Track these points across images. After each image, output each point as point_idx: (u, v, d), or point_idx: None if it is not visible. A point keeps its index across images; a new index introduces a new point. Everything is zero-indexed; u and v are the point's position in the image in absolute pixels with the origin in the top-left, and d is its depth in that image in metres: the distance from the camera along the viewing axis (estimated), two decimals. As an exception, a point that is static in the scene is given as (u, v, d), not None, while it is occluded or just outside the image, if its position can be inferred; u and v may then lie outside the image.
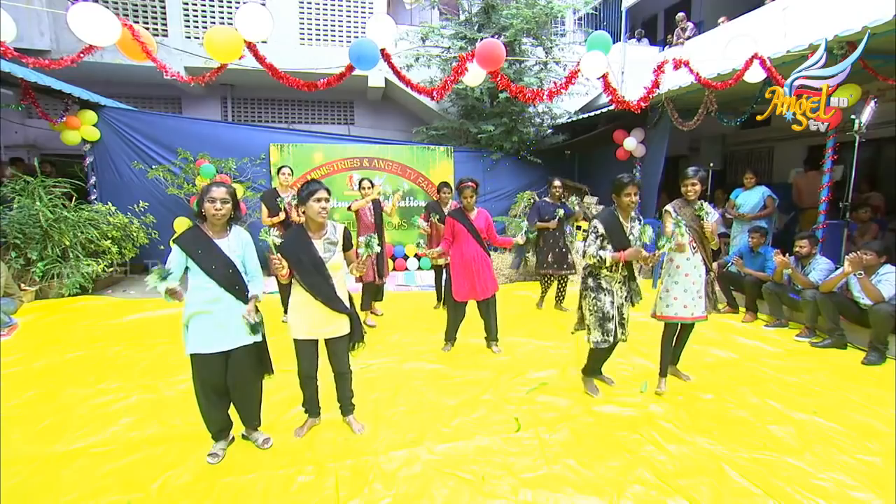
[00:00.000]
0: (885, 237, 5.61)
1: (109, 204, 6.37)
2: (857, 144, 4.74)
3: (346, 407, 2.88)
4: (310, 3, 8.68)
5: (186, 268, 2.38)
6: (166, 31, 8.04)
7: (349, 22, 8.87)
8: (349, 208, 4.85)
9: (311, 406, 2.86)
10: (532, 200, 7.57)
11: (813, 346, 4.33)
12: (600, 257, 3.01)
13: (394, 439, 2.77)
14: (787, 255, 4.72)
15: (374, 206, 4.89)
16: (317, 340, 2.71)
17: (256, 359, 2.60)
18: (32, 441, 2.74)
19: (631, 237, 3.05)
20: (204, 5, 8.19)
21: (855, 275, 4.08)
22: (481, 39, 4.76)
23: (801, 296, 4.60)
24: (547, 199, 5.51)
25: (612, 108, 6.59)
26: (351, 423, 2.87)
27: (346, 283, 2.76)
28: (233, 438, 2.68)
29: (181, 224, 6.27)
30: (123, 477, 2.42)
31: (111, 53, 4.95)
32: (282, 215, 4.68)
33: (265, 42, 4.52)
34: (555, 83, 4.90)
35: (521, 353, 4.17)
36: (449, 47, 8.06)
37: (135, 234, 6.40)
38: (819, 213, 5.23)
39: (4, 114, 7.76)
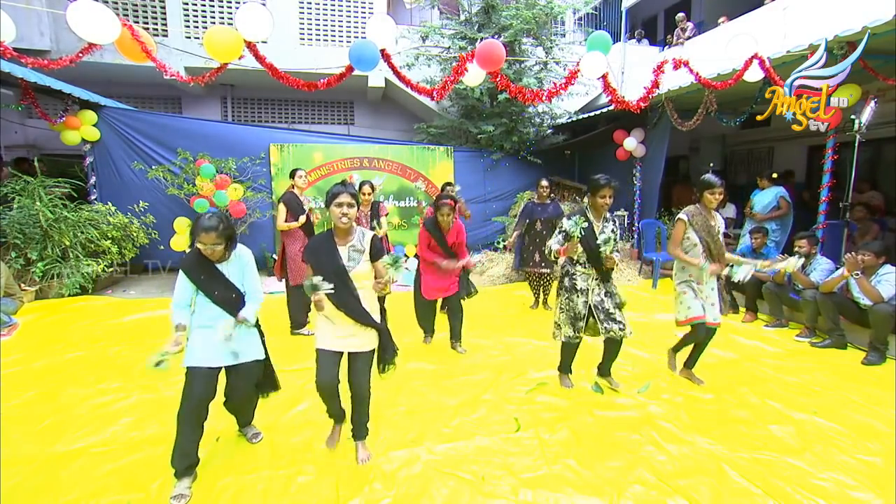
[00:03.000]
0: (885, 237, 5.60)
1: (109, 204, 6.36)
2: (856, 144, 4.74)
3: (359, 431, 2.61)
4: (310, 3, 8.67)
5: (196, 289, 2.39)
6: (166, 31, 8.03)
7: (349, 22, 8.86)
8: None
9: (336, 413, 2.65)
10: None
11: (813, 346, 4.33)
12: (549, 248, 3.15)
13: (394, 439, 2.77)
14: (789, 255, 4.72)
15: (371, 209, 4.80)
16: (340, 353, 2.49)
17: (257, 376, 2.58)
18: (32, 441, 2.73)
19: (601, 236, 3.11)
20: (204, 5, 8.19)
21: (852, 276, 4.08)
22: (481, 39, 4.76)
23: (801, 296, 4.59)
24: (535, 199, 5.49)
25: (611, 108, 6.60)
26: (358, 448, 2.59)
27: (375, 295, 2.55)
28: (195, 476, 2.39)
29: (181, 224, 6.27)
30: (123, 477, 2.42)
31: (111, 53, 4.95)
32: (302, 219, 4.52)
33: (265, 42, 4.52)
34: (554, 83, 4.90)
35: (521, 353, 4.17)
36: (449, 47, 8.06)
37: (135, 234, 6.39)
38: (819, 213, 5.23)
39: (4, 114, 7.75)
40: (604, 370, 3.52)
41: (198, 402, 2.32)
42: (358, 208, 2.53)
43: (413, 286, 4.32)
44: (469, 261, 4.07)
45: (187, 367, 2.34)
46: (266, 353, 2.61)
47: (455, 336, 4.23)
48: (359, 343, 2.49)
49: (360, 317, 2.44)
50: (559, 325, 3.31)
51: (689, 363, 3.56)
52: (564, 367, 3.50)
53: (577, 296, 3.21)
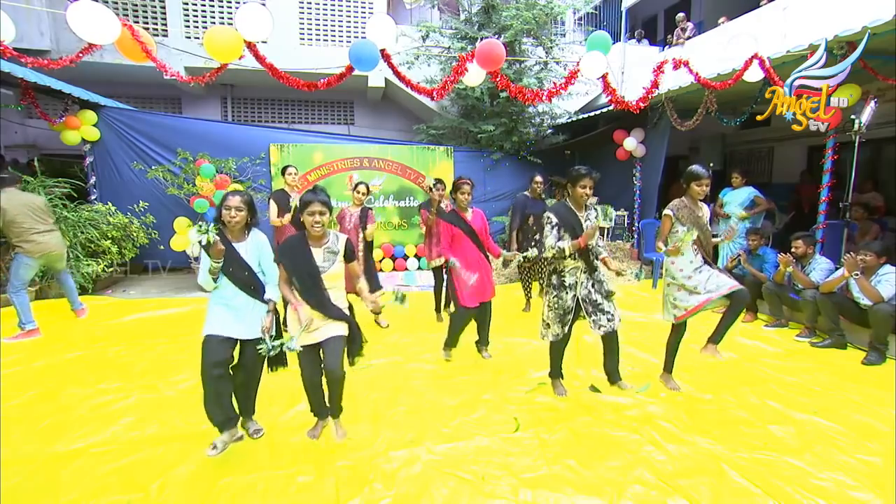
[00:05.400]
0: (886, 237, 5.60)
1: (109, 204, 6.36)
2: (856, 144, 4.74)
3: (333, 408, 2.77)
4: (310, 3, 8.68)
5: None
6: (166, 31, 8.04)
7: (349, 22, 8.87)
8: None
9: (319, 410, 2.80)
10: None
11: (813, 346, 4.33)
12: (559, 248, 3.05)
13: (394, 439, 2.77)
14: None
15: (360, 213, 4.59)
16: (318, 346, 2.64)
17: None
18: (32, 441, 2.73)
19: (587, 223, 3.12)
20: (204, 5, 8.19)
21: (852, 276, 4.08)
22: (481, 39, 4.75)
23: (801, 296, 4.59)
24: (527, 193, 5.48)
25: (611, 108, 6.60)
26: (335, 427, 2.77)
27: (343, 293, 2.75)
28: (241, 437, 2.69)
29: (181, 224, 6.26)
30: (123, 477, 2.42)
31: (111, 53, 4.95)
32: (287, 217, 4.68)
33: (265, 42, 4.52)
34: (554, 83, 4.90)
35: (521, 353, 4.16)
36: (449, 47, 8.06)
37: (135, 234, 6.39)
38: (819, 213, 5.23)
39: (4, 114, 7.75)
40: (612, 373, 3.44)
41: (212, 365, 2.47)
42: (331, 213, 2.62)
43: (451, 296, 3.99)
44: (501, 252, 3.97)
45: (204, 336, 2.52)
46: (279, 331, 2.74)
47: (483, 340, 4.05)
48: (329, 331, 2.62)
49: (332, 312, 2.62)
50: (548, 323, 3.26)
51: (667, 367, 3.52)
52: (555, 372, 3.42)
53: (566, 292, 3.18)
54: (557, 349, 3.35)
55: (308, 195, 2.56)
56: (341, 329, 2.66)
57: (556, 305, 3.20)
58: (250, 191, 6.91)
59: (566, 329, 3.21)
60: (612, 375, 3.47)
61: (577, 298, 3.19)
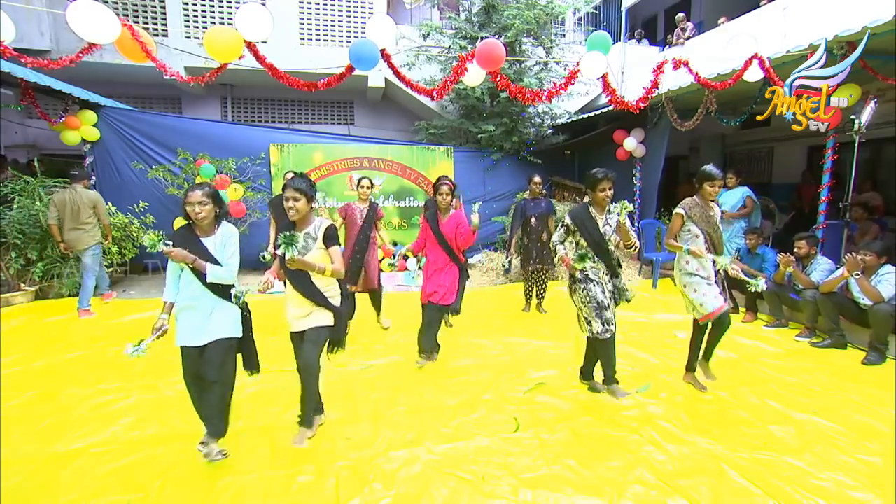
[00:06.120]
0: (886, 237, 5.60)
1: (109, 204, 6.35)
2: (856, 144, 4.74)
3: (305, 416, 2.61)
4: (310, 3, 8.68)
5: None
6: (166, 31, 8.04)
7: (349, 22, 8.87)
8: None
9: (317, 407, 2.85)
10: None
11: (813, 346, 4.33)
12: (556, 246, 3.24)
13: (394, 439, 2.77)
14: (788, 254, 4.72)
15: (369, 209, 4.58)
16: (303, 334, 2.65)
17: (230, 354, 2.53)
18: (32, 441, 2.74)
19: (606, 228, 3.15)
20: (204, 5, 8.19)
21: (853, 276, 4.08)
22: (482, 38, 4.75)
23: (801, 296, 4.59)
24: (526, 195, 5.50)
25: (611, 108, 6.59)
26: (300, 433, 2.58)
27: (331, 280, 2.66)
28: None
29: (181, 224, 6.25)
30: (123, 477, 2.42)
31: (111, 53, 4.95)
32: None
33: (265, 42, 4.52)
34: (555, 83, 4.89)
35: (521, 353, 4.17)
36: (449, 46, 8.06)
37: (135, 234, 6.39)
38: (819, 213, 5.23)
39: (4, 114, 7.75)
40: (588, 373, 3.45)
41: (190, 375, 2.51)
42: (309, 200, 2.58)
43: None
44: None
45: (179, 347, 2.51)
46: (250, 333, 2.67)
47: (424, 348, 3.76)
48: (313, 320, 2.62)
49: (314, 297, 2.59)
50: (588, 320, 3.18)
51: (690, 366, 3.52)
52: (610, 377, 3.30)
53: (594, 284, 3.15)
54: (606, 350, 3.23)
55: (286, 182, 2.59)
56: (326, 319, 2.63)
57: (586, 298, 3.16)
58: (250, 191, 6.93)
59: (610, 325, 3.13)
60: (587, 374, 3.48)
61: (607, 295, 3.18)
